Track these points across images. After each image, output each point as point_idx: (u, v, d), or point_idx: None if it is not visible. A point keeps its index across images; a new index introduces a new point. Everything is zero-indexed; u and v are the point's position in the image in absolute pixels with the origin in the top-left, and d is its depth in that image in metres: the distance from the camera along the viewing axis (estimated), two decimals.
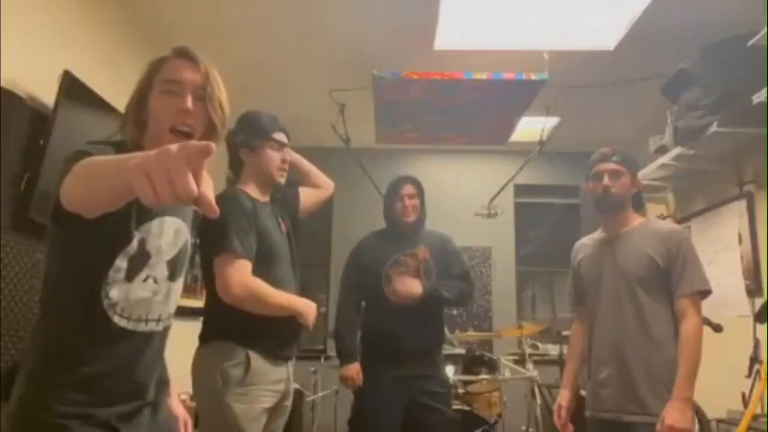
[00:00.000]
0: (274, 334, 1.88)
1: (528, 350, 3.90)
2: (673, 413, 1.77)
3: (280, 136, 2.01)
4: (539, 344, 4.72)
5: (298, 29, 3.26)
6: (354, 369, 2.57)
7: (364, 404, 2.62)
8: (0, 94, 2.02)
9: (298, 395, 4.08)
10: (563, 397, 2.16)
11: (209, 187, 0.75)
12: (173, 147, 0.71)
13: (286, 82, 3.97)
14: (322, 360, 4.48)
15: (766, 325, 2.59)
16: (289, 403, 2.02)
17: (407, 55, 3.46)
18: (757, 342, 2.77)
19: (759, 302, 2.95)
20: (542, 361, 4.30)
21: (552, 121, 4.24)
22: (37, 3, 2.30)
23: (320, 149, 4.74)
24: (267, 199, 2.02)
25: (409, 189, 2.72)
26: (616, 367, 1.96)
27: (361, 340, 2.69)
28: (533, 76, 3.23)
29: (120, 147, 1.21)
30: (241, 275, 1.78)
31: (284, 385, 1.94)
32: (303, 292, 2.06)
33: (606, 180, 2.03)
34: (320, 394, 4.21)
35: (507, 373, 3.76)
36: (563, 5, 2.91)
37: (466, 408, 3.44)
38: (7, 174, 2.07)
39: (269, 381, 1.86)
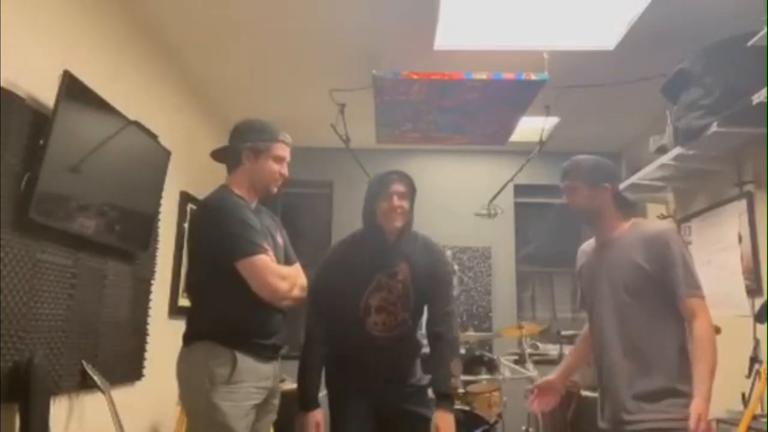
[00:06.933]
0: (259, 332, 1.90)
1: (528, 350, 3.91)
2: (699, 404, 1.75)
3: (282, 150, 2.04)
4: (539, 344, 4.72)
5: (297, 29, 3.26)
6: (321, 414, 2.14)
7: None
8: (0, 94, 2.02)
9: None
10: (545, 379, 2.21)
11: None
12: None
13: (286, 82, 3.97)
14: None
15: (766, 325, 2.59)
16: (276, 401, 2.03)
17: (407, 55, 3.46)
18: (757, 342, 2.77)
19: (759, 302, 2.95)
20: (542, 361, 4.28)
21: (552, 121, 4.24)
22: (37, 3, 2.30)
23: (320, 149, 4.77)
24: (253, 205, 2.05)
25: (399, 187, 2.14)
26: (609, 378, 1.94)
27: (330, 373, 2.24)
28: (533, 76, 3.23)
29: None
30: (277, 271, 1.91)
31: (271, 382, 1.95)
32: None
33: (564, 197, 2.12)
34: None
35: (507, 373, 3.76)
36: (563, 5, 2.91)
37: (466, 408, 3.44)
38: (7, 174, 2.06)
39: (256, 378, 1.87)
